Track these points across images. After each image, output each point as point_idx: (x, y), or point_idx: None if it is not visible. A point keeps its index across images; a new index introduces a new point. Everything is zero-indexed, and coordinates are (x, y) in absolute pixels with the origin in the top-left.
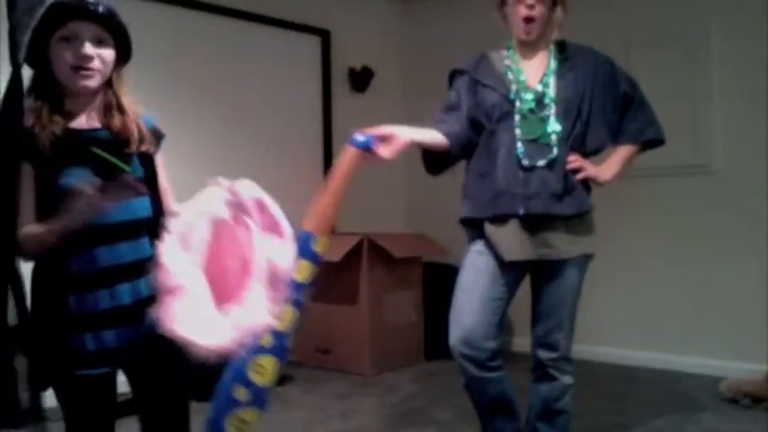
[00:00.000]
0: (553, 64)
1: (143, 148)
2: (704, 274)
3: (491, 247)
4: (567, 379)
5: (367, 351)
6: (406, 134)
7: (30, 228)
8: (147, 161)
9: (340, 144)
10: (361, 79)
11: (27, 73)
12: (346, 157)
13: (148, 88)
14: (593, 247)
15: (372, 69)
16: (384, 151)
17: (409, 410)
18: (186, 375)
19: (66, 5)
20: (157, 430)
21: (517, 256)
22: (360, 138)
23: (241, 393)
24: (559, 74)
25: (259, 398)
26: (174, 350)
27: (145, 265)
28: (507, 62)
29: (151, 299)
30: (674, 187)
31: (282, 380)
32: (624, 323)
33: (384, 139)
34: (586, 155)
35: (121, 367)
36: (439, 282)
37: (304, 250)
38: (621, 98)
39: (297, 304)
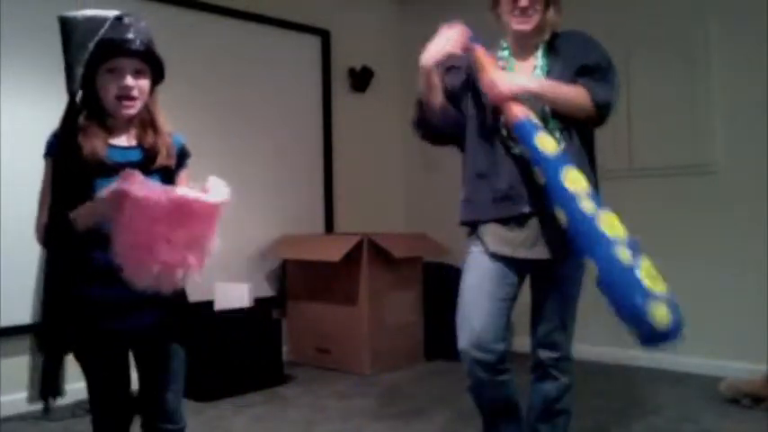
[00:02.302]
0: (541, 61)
1: (165, 163)
2: (704, 273)
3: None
4: (567, 379)
5: (367, 351)
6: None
7: (77, 210)
8: (168, 176)
9: (340, 144)
10: (361, 79)
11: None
12: (480, 52)
13: None
14: None
15: (372, 69)
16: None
17: (409, 410)
18: (187, 322)
19: (111, 43)
20: (155, 375)
21: (509, 252)
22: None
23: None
24: (546, 70)
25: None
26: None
27: None
28: (501, 63)
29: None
30: (674, 187)
31: (282, 379)
32: None
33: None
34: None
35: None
36: (439, 282)
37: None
38: (590, 66)
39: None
